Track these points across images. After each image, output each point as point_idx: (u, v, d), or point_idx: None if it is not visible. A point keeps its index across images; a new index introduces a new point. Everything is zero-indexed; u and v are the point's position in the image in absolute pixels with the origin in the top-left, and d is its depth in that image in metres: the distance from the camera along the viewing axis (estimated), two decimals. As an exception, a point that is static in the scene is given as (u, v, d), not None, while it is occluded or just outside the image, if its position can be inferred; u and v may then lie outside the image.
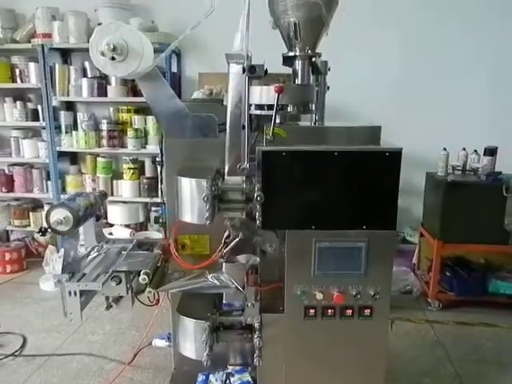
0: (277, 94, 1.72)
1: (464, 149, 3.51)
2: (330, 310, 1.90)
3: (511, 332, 3.18)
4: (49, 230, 1.77)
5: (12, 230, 4.49)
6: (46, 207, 4.30)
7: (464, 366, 2.76)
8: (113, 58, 1.78)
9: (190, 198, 1.83)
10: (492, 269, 3.56)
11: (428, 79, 4.01)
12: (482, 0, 3.87)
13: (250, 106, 1.80)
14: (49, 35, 3.96)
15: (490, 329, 3.22)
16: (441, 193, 3.36)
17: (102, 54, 1.79)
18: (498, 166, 3.41)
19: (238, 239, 1.90)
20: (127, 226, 4.03)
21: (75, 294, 1.74)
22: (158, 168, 2.22)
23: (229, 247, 1.91)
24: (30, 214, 4.35)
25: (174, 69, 4.15)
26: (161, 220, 2.35)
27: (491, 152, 3.36)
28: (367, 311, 1.91)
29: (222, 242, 1.96)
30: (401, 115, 4.00)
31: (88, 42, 4.12)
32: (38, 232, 1.81)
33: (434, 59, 3.97)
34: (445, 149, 3.49)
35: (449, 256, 3.64)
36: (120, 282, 1.83)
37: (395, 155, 1.78)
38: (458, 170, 3.47)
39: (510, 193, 2.60)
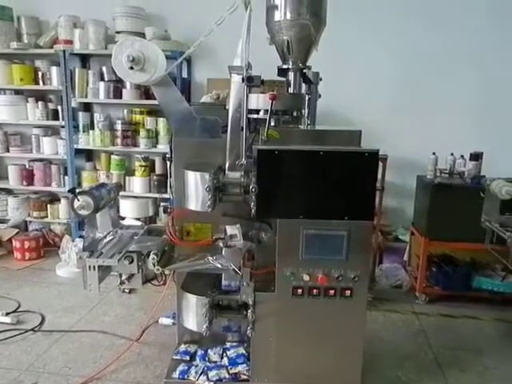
0: (271, 101, 2.00)
1: (452, 154, 3.75)
2: (315, 290, 2.16)
3: (491, 324, 3.39)
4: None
5: (31, 221, 4.78)
6: (63, 200, 4.60)
7: (443, 352, 2.99)
8: (131, 68, 2.06)
9: (195, 189, 2.10)
10: (477, 266, 3.75)
11: (420, 90, 4.19)
12: (470, 9, 4.02)
13: (248, 110, 2.08)
14: (70, 41, 4.24)
15: (472, 321, 3.43)
16: (428, 194, 3.59)
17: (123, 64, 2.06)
18: (486, 170, 3.62)
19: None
20: (137, 219, 4.29)
21: (94, 268, 2.02)
22: (168, 163, 2.50)
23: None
24: (48, 206, 4.63)
25: (185, 74, 4.40)
26: (169, 210, 2.63)
27: (476, 157, 3.60)
28: (348, 292, 2.17)
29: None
30: (396, 124, 4.20)
31: (106, 48, 4.45)
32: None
33: (425, 71, 4.16)
34: (434, 153, 3.72)
35: (437, 254, 3.86)
36: (132, 261, 2.09)
37: (373, 155, 2.03)
38: (446, 173, 3.69)
39: (485, 194, 2.86)
